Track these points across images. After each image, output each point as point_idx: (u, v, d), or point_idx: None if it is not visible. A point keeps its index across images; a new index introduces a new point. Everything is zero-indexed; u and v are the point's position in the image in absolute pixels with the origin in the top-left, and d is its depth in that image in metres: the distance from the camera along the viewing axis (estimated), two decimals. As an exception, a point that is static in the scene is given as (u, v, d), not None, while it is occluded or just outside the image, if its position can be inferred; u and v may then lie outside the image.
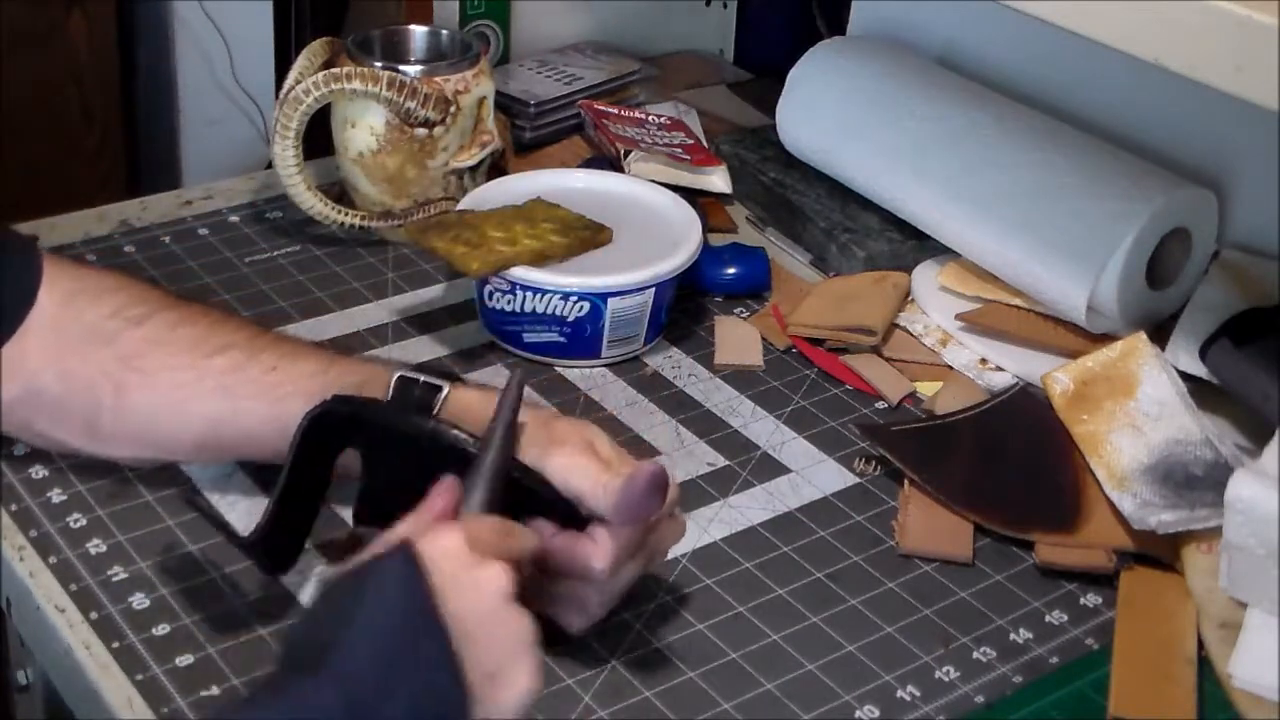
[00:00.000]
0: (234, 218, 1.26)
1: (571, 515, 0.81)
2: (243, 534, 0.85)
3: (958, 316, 1.13)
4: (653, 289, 1.08)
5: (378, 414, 0.84)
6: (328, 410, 0.84)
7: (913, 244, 1.20)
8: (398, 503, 0.76)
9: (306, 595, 0.88)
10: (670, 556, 0.92)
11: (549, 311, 1.06)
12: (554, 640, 0.82)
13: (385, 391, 0.85)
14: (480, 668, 0.68)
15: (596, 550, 0.80)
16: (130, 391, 0.87)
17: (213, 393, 0.87)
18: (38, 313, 0.87)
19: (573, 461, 0.81)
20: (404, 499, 0.76)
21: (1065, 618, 0.90)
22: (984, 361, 1.11)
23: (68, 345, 0.87)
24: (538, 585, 0.81)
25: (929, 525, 0.95)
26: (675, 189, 1.20)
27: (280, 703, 0.66)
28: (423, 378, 0.85)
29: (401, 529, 0.73)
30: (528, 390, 0.86)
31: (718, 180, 1.30)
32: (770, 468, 1.01)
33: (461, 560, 0.70)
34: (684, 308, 1.15)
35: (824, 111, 1.26)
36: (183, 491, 0.94)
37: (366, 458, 0.85)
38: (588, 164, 1.29)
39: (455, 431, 0.82)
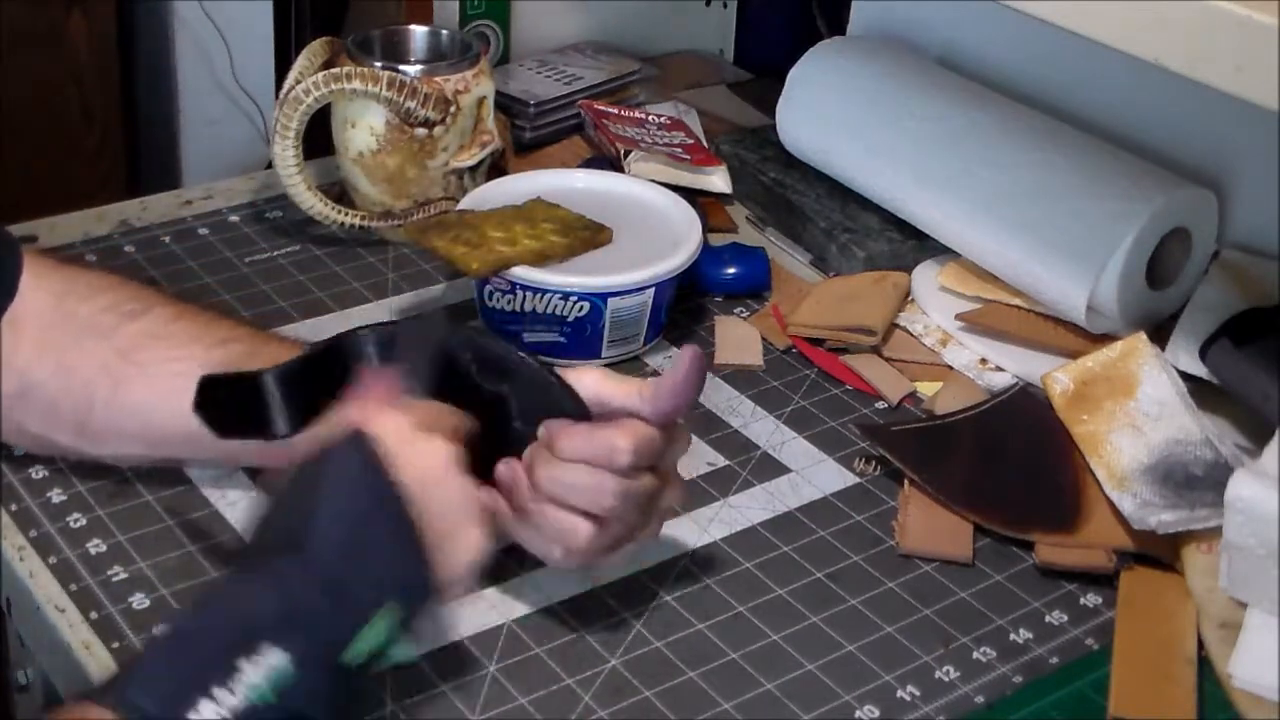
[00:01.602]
0: (234, 218, 1.26)
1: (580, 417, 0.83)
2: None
3: (958, 316, 1.13)
4: (653, 289, 1.08)
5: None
6: (352, 334, 0.85)
7: (913, 244, 1.20)
8: None
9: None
10: (670, 556, 0.92)
11: (549, 311, 1.06)
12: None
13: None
14: (432, 531, 0.72)
15: (620, 434, 0.81)
16: (127, 385, 0.87)
17: None
18: (30, 310, 0.87)
19: (600, 375, 0.84)
20: None
21: (1065, 618, 0.90)
22: (984, 361, 1.11)
23: (64, 341, 0.87)
24: (537, 514, 0.82)
25: (929, 525, 0.95)
26: (675, 189, 1.20)
27: (263, 581, 0.69)
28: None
29: (346, 414, 0.76)
30: None
31: (718, 180, 1.30)
32: (770, 468, 1.01)
33: (405, 434, 0.75)
34: (684, 308, 1.15)
35: (824, 111, 1.26)
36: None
37: None
38: (588, 164, 1.29)
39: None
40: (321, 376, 0.83)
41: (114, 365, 0.87)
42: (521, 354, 0.85)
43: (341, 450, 0.73)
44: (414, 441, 0.75)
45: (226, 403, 0.84)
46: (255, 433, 0.84)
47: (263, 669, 0.65)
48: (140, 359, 0.87)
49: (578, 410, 0.82)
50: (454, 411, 0.80)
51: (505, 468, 0.83)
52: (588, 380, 0.83)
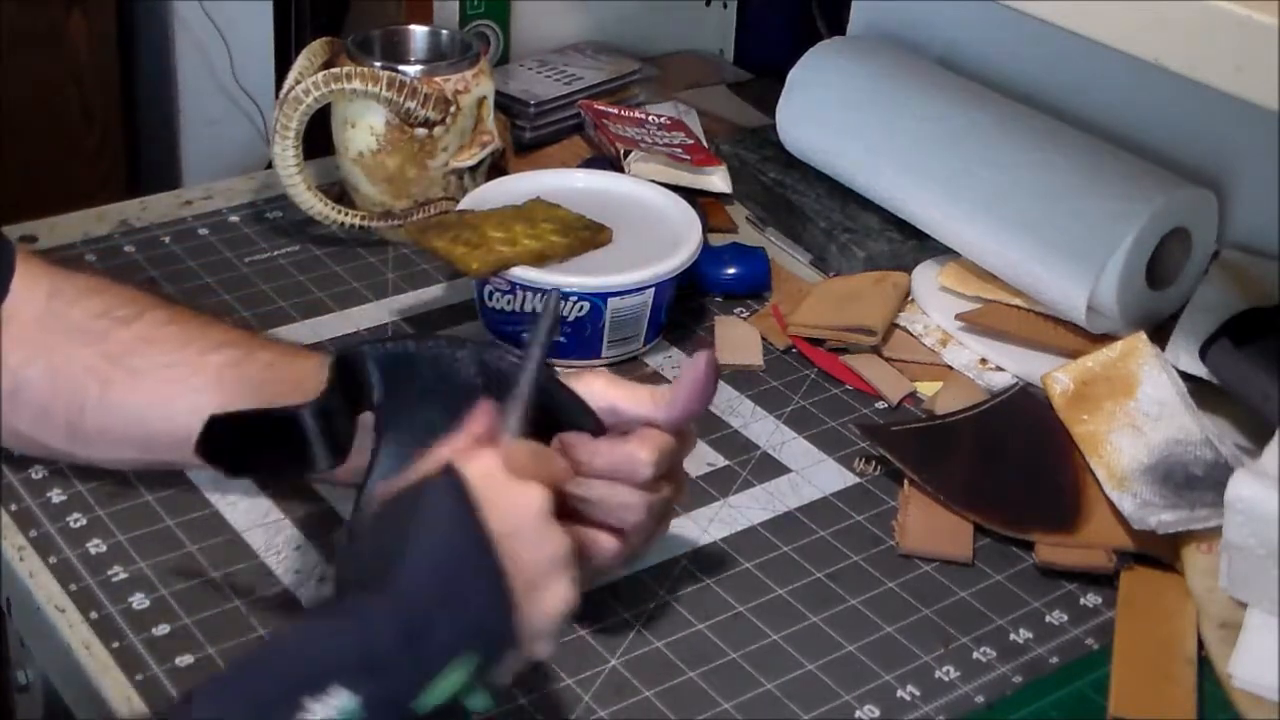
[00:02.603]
0: (234, 218, 1.26)
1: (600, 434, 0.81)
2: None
3: (958, 316, 1.13)
4: (653, 289, 1.08)
5: (404, 346, 0.84)
6: (358, 349, 0.83)
7: (913, 244, 1.20)
8: None
9: (305, 594, 0.88)
10: (670, 556, 0.92)
11: (549, 311, 1.06)
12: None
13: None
14: (520, 581, 0.70)
15: (641, 446, 0.80)
16: (117, 388, 0.87)
17: (203, 388, 0.86)
18: (19, 310, 0.87)
19: (608, 381, 0.83)
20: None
21: (1065, 618, 0.90)
22: (984, 361, 1.11)
23: (54, 344, 0.87)
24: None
25: (929, 525, 0.95)
26: (675, 189, 1.20)
27: (341, 620, 0.67)
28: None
29: (440, 453, 0.74)
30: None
31: (718, 180, 1.30)
32: (770, 468, 1.01)
33: (499, 480, 0.72)
34: (684, 308, 1.15)
35: (824, 111, 1.26)
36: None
37: (384, 424, 0.84)
38: (588, 164, 1.29)
39: (494, 351, 0.83)
40: (344, 400, 0.82)
41: (105, 370, 0.87)
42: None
43: (435, 490, 0.71)
44: (508, 486, 0.72)
45: (244, 441, 0.82)
46: (288, 471, 0.83)
47: (329, 710, 0.64)
48: (133, 364, 0.87)
49: (590, 422, 0.82)
50: (551, 455, 0.78)
51: None
52: (598, 388, 0.82)
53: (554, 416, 0.81)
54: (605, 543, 0.81)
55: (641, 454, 0.80)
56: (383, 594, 0.67)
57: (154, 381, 0.87)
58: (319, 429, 0.81)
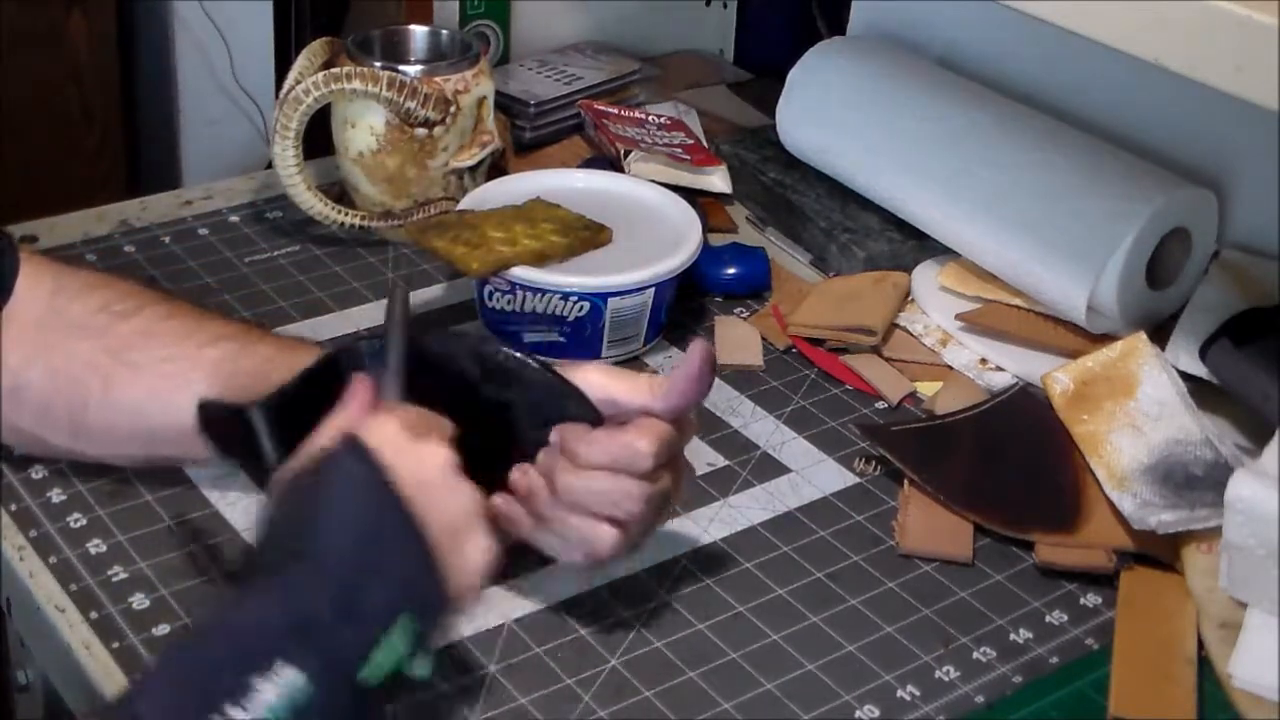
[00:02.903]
0: (234, 218, 1.26)
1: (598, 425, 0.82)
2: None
3: (958, 316, 1.13)
4: (653, 289, 1.08)
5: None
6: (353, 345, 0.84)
7: (913, 244, 1.20)
8: None
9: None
10: (670, 556, 0.92)
11: (549, 311, 1.06)
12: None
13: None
14: (438, 538, 0.71)
15: (640, 436, 0.80)
16: (119, 383, 0.86)
17: (205, 381, 0.86)
18: (21, 309, 0.87)
19: (605, 372, 0.83)
20: None
21: (1065, 618, 0.90)
22: (984, 361, 1.11)
23: (54, 341, 0.87)
24: (559, 522, 0.82)
25: (929, 525, 0.95)
26: (675, 189, 1.20)
27: (270, 595, 0.68)
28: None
29: (335, 422, 0.75)
30: None
31: (718, 180, 1.30)
32: (770, 468, 1.01)
33: (401, 441, 0.73)
34: (684, 308, 1.15)
35: (824, 112, 1.26)
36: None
37: None
38: (588, 164, 1.29)
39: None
40: (314, 398, 0.82)
41: (105, 365, 0.87)
42: (525, 358, 0.84)
43: (339, 458, 0.72)
44: (410, 447, 0.73)
45: (226, 425, 0.84)
46: (253, 459, 0.83)
47: (280, 688, 0.64)
48: (132, 358, 0.87)
49: (588, 413, 0.82)
50: (437, 415, 0.79)
51: (522, 475, 0.82)
52: (595, 379, 0.83)
53: (552, 409, 0.82)
54: (605, 534, 0.81)
55: (641, 444, 0.80)
56: (306, 564, 0.68)
57: (153, 376, 0.87)
58: (266, 426, 0.82)
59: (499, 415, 0.83)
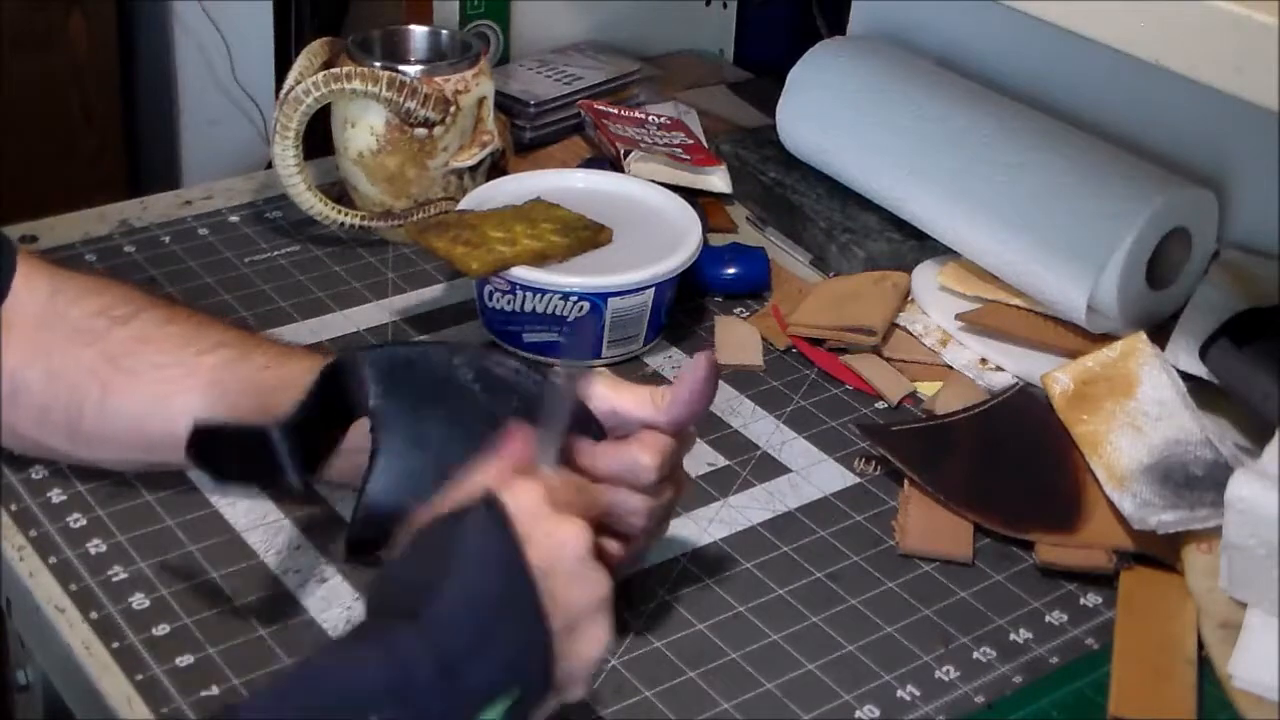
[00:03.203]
0: (234, 218, 1.26)
1: (596, 435, 0.81)
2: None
3: (958, 316, 1.13)
4: (653, 289, 1.08)
5: (408, 352, 0.83)
6: (352, 355, 0.82)
7: (913, 244, 1.20)
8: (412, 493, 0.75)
9: (310, 597, 0.88)
10: (670, 556, 0.92)
11: (549, 311, 1.06)
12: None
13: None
14: (559, 625, 0.69)
15: (643, 450, 0.80)
16: (116, 390, 0.86)
17: (201, 388, 0.86)
18: (20, 312, 0.87)
19: (609, 384, 0.82)
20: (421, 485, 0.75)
21: (1065, 618, 0.90)
22: (984, 361, 1.11)
23: (53, 344, 0.87)
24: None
25: (929, 525, 0.95)
26: (675, 189, 1.20)
27: (376, 651, 0.66)
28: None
29: (479, 478, 0.72)
30: None
31: (718, 180, 1.30)
32: (770, 468, 1.01)
33: (543, 516, 0.70)
34: (684, 308, 1.15)
35: (824, 111, 1.26)
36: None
37: (382, 428, 0.83)
38: (588, 164, 1.29)
39: (507, 360, 0.82)
40: (324, 414, 0.81)
41: (103, 371, 0.86)
42: (526, 371, 0.83)
43: (476, 522, 0.69)
44: (550, 523, 0.70)
45: (226, 450, 0.81)
46: (264, 483, 0.82)
47: None
48: (130, 365, 0.87)
49: (592, 427, 0.81)
50: (587, 487, 0.77)
51: None
52: (598, 391, 0.82)
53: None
54: (611, 548, 0.80)
55: (644, 459, 0.80)
56: (417, 626, 0.66)
57: (150, 383, 0.86)
58: (288, 446, 0.80)
59: (500, 429, 0.82)
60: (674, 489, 0.84)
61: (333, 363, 0.84)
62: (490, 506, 0.69)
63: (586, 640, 0.70)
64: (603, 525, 0.79)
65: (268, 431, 0.79)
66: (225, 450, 0.81)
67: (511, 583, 0.68)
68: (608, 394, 0.82)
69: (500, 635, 0.67)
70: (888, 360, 1.12)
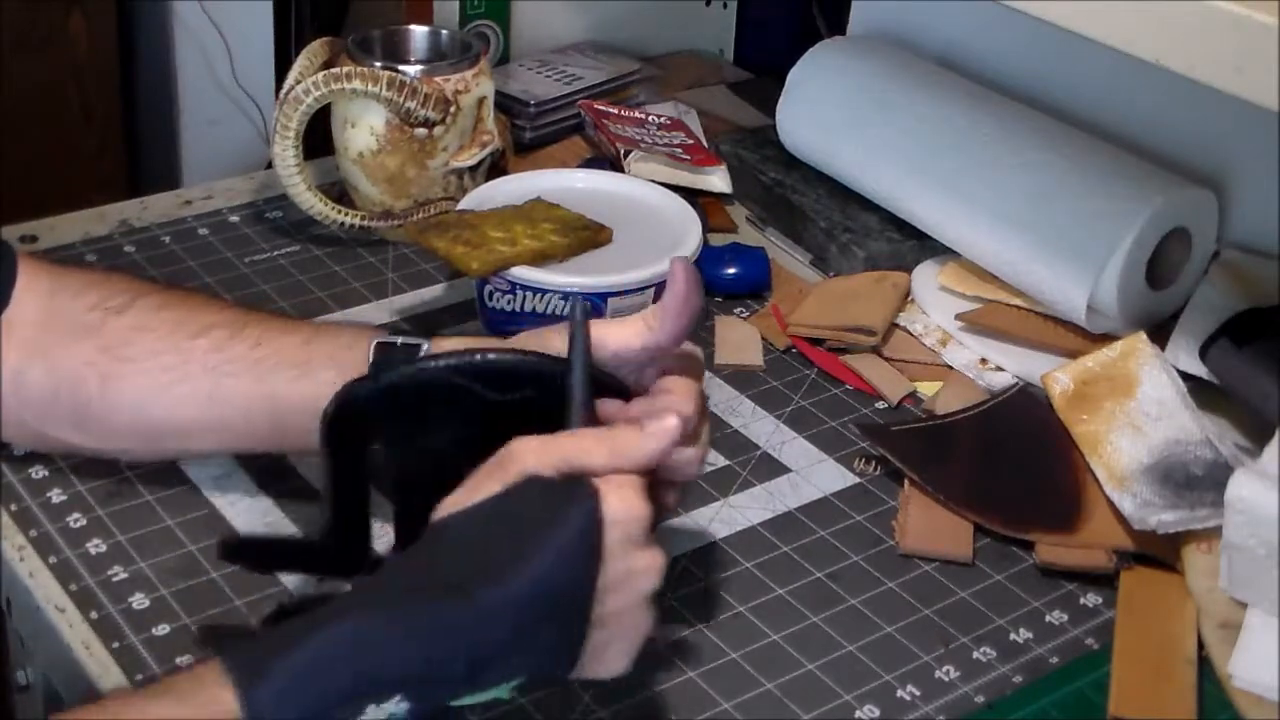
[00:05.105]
0: (234, 218, 1.26)
1: (622, 394, 0.81)
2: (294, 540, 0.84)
3: (958, 316, 1.13)
4: (653, 289, 1.08)
5: (408, 375, 0.81)
6: (350, 394, 0.81)
7: (913, 244, 1.20)
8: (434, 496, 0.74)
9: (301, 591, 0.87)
10: (670, 556, 0.92)
11: (549, 311, 1.06)
12: None
13: (366, 355, 0.83)
14: (596, 641, 0.71)
15: (677, 398, 0.80)
16: (116, 381, 0.86)
17: (198, 373, 0.86)
18: (20, 314, 0.87)
19: (606, 331, 0.81)
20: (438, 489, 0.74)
21: (1065, 618, 0.90)
22: (984, 361, 1.11)
23: (52, 342, 0.87)
24: None
25: (929, 525, 0.95)
26: (675, 189, 1.20)
27: (421, 629, 0.67)
28: (400, 339, 0.84)
29: (596, 458, 0.72)
30: None
31: (718, 180, 1.30)
32: (770, 467, 1.01)
33: (634, 531, 0.71)
34: (684, 308, 1.15)
35: (824, 111, 1.26)
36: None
37: (398, 447, 0.83)
38: (588, 164, 1.29)
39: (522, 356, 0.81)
40: (353, 488, 0.81)
41: (101, 362, 0.87)
42: (518, 356, 0.82)
43: (577, 518, 0.69)
44: (637, 546, 0.71)
45: (260, 555, 0.83)
46: (316, 570, 0.84)
47: (382, 712, 0.66)
48: (128, 354, 0.87)
49: (614, 387, 0.80)
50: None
51: None
52: (608, 343, 0.80)
53: (558, 393, 0.80)
54: (669, 503, 0.81)
55: (684, 407, 0.79)
56: (468, 607, 0.67)
57: (148, 371, 0.86)
58: (335, 552, 0.81)
59: (514, 415, 0.81)
60: (707, 420, 0.83)
61: (334, 413, 0.80)
62: (592, 513, 0.70)
63: (610, 662, 0.73)
64: (658, 479, 0.79)
65: (313, 545, 0.81)
66: (257, 555, 0.83)
67: (575, 591, 0.69)
68: (603, 339, 0.80)
69: (539, 637, 0.69)
70: (888, 360, 1.12)
